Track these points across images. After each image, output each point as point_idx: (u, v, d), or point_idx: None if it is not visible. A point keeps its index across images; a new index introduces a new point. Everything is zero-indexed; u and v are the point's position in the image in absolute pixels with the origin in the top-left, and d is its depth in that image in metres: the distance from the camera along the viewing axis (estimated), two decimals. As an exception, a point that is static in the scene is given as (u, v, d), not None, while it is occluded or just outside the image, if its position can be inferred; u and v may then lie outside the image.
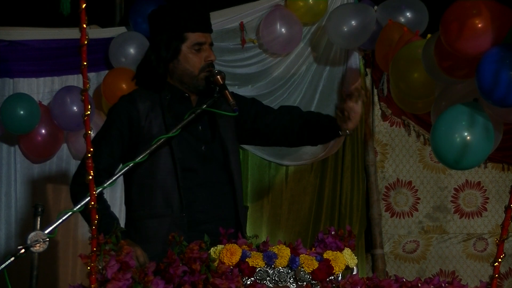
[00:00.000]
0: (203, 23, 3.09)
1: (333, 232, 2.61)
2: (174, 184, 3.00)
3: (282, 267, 2.51)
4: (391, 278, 2.51)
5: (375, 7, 4.71)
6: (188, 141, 3.05)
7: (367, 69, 4.95)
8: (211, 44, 3.11)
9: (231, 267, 2.43)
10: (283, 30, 4.77)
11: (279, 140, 3.26)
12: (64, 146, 4.89)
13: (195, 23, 3.06)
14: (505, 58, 3.02)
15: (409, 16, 4.61)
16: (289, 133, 3.21)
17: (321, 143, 3.39)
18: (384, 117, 5.03)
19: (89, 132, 2.03)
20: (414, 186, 5.01)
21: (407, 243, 5.00)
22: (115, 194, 4.75)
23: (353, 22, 4.62)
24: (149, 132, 3.03)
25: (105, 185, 2.60)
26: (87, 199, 2.36)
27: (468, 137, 3.26)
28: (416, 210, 5.01)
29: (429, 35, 4.03)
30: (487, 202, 5.00)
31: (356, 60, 4.90)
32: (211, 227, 2.90)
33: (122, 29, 4.92)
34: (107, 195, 4.34)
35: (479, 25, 3.08)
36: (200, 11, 3.09)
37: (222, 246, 2.50)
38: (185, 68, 3.06)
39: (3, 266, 2.28)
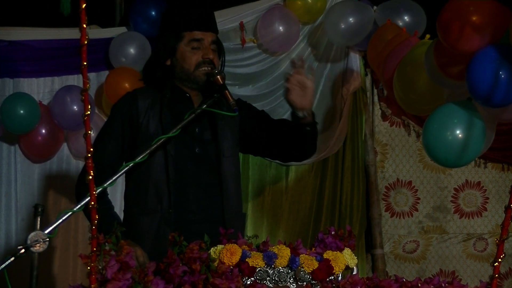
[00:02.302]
0: (201, 22, 3.09)
1: (333, 232, 2.61)
2: (165, 180, 3.01)
3: (282, 267, 2.51)
4: (391, 278, 2.51)
5: (374, 7, 4.71)
6: (184, 141, 3.05)
7: (367, 69, 4.95)
8: (215, 43, 3.11)
9: (231, 267, 2.43)
10: (280, 28, 4.77)
11: (280, 146, 3.22)
12: (64, 146, 4.89)
13: (192, 23, 3.07)
14: (497, 58, 3.02)
15: (407, 19, 4.61)
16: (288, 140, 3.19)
17: (295, 150, 3.21)
18: (384, 117, 5.02)
19: (89, 132, 2.03)
20: (414, 186, 5.01)
21: (407, 243, 5.00)
22: (115, 194, 4.74)
23: (351, 20, 4.61)
24: (147, 129, 3.04)
25: (105, 185, 2.60)
26: (87, 199, 2.36)
27: (459, 135, 3.26)
28: (416, 210, 5.00)
29: (428, 36, 4.02)
30: (487, 202, 5.00)
31: (356, 61, 4.90)
32: (199, 228, 2.90)
33: (122, 29, 4.93)
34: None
35: (477, 22, 3.08)
36: (198, 11, 3.10)
37: (222, 246, 2.50)
38: (181, 66, 3.08)
39: (3, 266, 2.27)
